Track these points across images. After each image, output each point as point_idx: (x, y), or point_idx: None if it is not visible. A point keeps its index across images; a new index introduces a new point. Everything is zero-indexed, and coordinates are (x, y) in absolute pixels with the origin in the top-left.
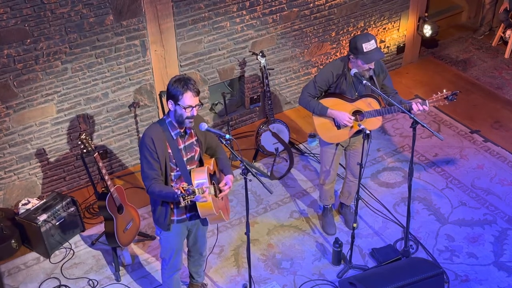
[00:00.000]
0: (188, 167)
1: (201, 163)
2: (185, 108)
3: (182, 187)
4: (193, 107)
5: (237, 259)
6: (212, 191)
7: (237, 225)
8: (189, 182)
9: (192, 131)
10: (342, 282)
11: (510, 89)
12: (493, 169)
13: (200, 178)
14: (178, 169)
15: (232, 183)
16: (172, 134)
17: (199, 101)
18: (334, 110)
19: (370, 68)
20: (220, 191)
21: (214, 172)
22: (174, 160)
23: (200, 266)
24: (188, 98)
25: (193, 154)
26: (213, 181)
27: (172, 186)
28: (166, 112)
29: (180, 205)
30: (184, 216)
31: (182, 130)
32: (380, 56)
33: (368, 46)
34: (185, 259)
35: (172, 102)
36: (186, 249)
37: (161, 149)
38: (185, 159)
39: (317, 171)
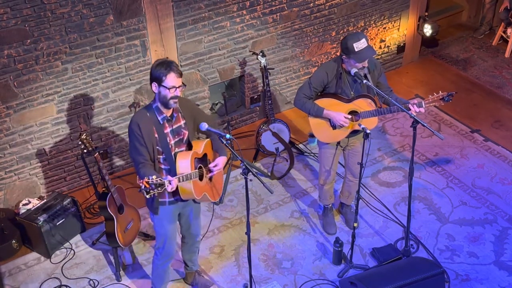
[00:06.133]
0: (176, 149)
1: (189, 147)
2: (169, 89)
3: (146, 182)
4: (177, 87)
5: (238, 259)
6: (195, 176)
7: (238, 224)
8: (173, 165)
9: (180, 114)
10: (343, 281)
11: (511, 89)
12: (494, 169)
13: (183, 161)
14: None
15: (223, 165)
16: (159, 118)
17: (182, 82)
18: (330, 111)
19: (364, 67)
20: (210, 171)
21: (205, 154)
22: (160, 144)
23: (194, 253)
24: (172, 79)
25: (181, 137)
26: (200, 165)
27: (161, 168)
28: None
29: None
30: (178, 197)
31: (168, 115)
32: (372, 54)
33: (359, 45)
34: (178, 253)
35: (156, 84)
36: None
37: (148, 134)
38: (172, 142)
39: (317, 171)
